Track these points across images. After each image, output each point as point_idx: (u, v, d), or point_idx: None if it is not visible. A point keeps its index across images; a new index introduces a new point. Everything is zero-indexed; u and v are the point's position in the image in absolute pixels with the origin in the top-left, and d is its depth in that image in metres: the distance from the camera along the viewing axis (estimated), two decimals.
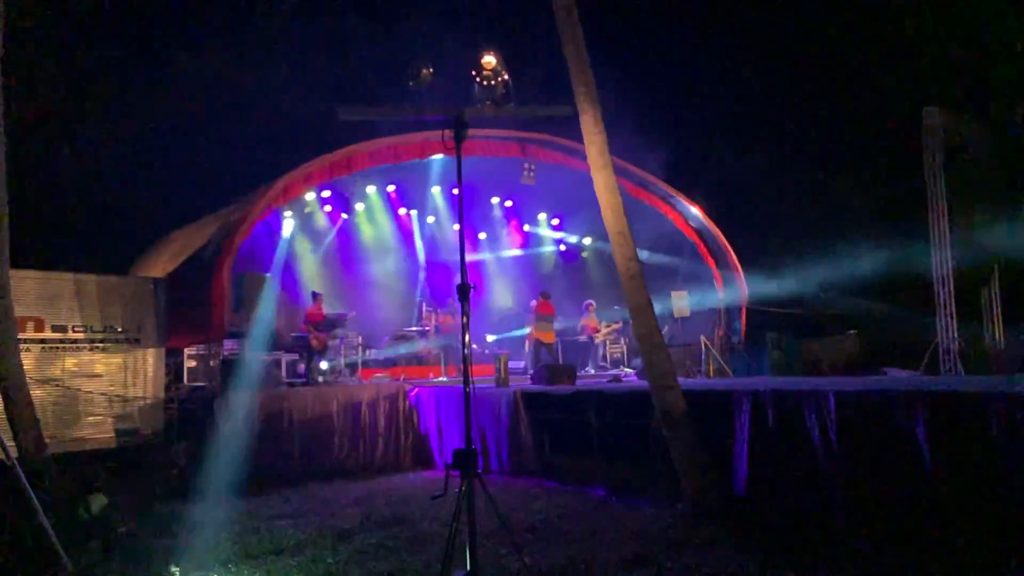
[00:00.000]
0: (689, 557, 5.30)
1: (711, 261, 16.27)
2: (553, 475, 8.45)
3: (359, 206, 16.40)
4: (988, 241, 11.52)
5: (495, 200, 17.70)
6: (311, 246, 16.47)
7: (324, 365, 11.52)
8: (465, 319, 4.45)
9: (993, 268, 11.46)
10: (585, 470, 8.11)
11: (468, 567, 4.14)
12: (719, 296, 16.00)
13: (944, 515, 5.02)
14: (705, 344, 13.71)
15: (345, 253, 17.32)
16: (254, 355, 10.76)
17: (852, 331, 13.90)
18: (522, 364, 15.67)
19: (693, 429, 6.85)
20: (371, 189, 15.94)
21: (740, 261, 16.09)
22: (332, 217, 16.35)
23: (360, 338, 14.48)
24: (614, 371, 14.61)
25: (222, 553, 5.85)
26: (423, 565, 5.41)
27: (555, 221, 19.04)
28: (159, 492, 8.28)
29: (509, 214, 18.57)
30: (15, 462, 5.20)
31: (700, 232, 16.19)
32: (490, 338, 17.28)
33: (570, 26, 7.38)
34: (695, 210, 15.79)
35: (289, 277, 15.75)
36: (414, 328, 15.73)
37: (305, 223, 15.92)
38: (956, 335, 11.06)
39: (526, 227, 19.29)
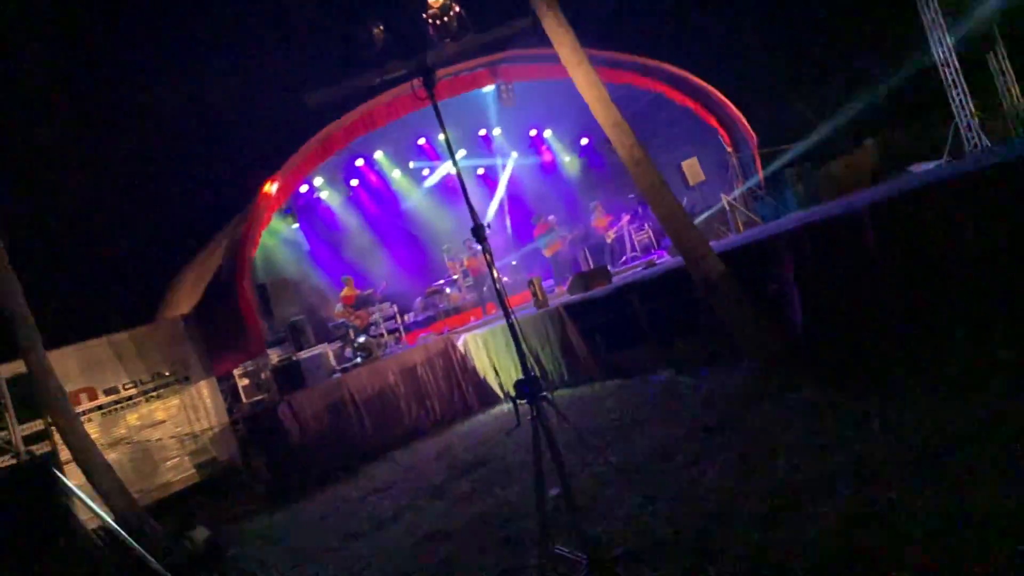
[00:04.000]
0: (767, 408, 5.29)
1: (712, 119, 15.83)
2: (615, 373, 8.48)
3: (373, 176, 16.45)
4: (982, 10, 10.95)
5: (497, 132, 17.37)
6: (330, 229, 16.53)
7: (361, 339, 11.65)
8: (488, 257, 4.36)
9: (993, 29, 10.92)
10: (644, 359, 8.11)
11: (560, 485, 4.19)
12: (728, 151, 15.64)
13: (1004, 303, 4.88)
14: (728, 202, 13.48)
15: (376, 222, 17.32)
16: (299, 354, 10.89)
17: (868, 140, 13.50)
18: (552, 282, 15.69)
19: (738, 288, 6.77)
20: (379, 154, 16.05)
21: (740, 111, 15.65)
22: (352, 194, 16.46)
23: (395, 306, 14.57)
24: (645, 257, 14.50)
25: (329, 542, 6.03)
26: (518, 496, 5.51)
27: (547, 132, 18.67)
28: (252, 507, 8.55)
29: (521, 137, 18.22)
30: (114, 525, 5.38)
31: (694, 94, 15.69)
32: (513, 262, 17.19)
33: None
34: (683, 75, 15.29)
35: (334, 264, 15.87)
36: (441, 281, 15.74)
37: (317, 211, 15.96)
38: (972, 110, 10.65)
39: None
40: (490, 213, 17.97)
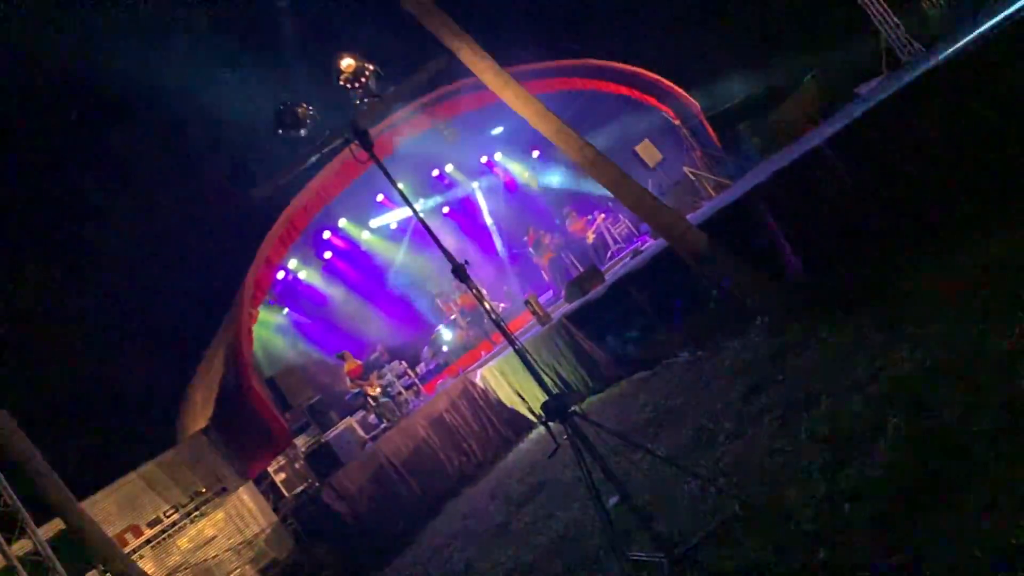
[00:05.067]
0: (793, 360, 5.37)
1: (649, 99, 16.06)
2: (636, 367, 8.53)
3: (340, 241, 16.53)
4: None
5: (450, 168, 17.58)
6: (317, 305, 16.59)
7: (382, 401, 11.71)
8: (476, 292, 4.45)
9: None
10: (660, 345, 8.17)
11: (616, 492, 4.23)
12: (675, 124, 15.85)
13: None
14: (691, 172, 13.65)
15: (359, 286, 17.38)
16: (327, 435, 10.90)
17: (807, 77, 13.73)
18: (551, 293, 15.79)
19: (726, 252, 6.88)
20: (343, 221, 16.15)
21: (676, 83, 15.89)
22: (328, 265, 16.54)
23: (403, 362, 14.60)
24: (630, 247, 14.63)
25: None
26: (580, 513, 5.55)
27: (498, 155, 18.85)
28: None
29: (474, 167, 18.43)
30: None
31: (624, 79, 15.93)
32: (506, 288, 17.30)
33: None
34: (608, 64, 15.54)
35: (331, 337, 15.93)
36: (441, 326, 15.78)
37: (299, 292, 16.06)
38: (896, 21, 10.88)
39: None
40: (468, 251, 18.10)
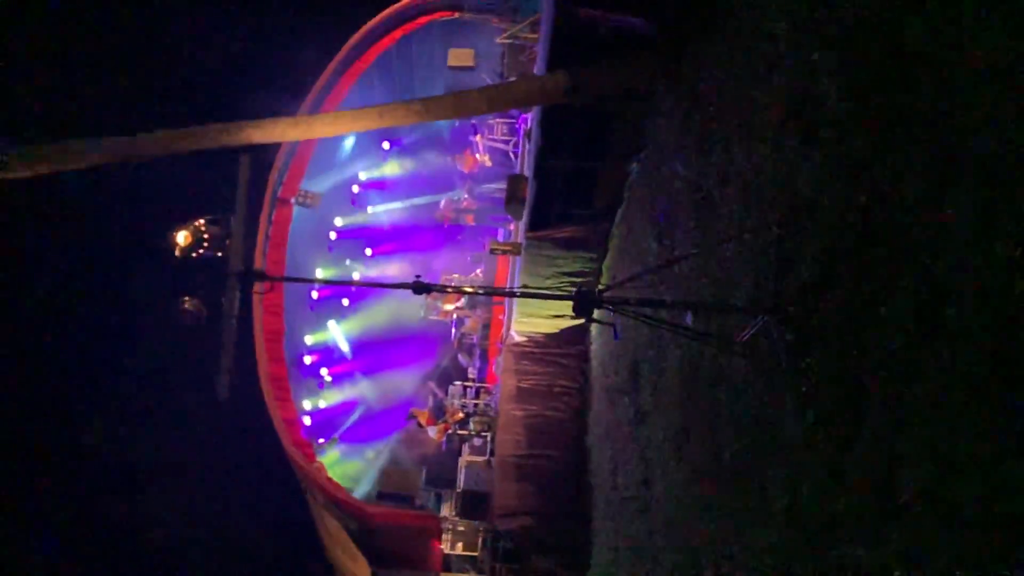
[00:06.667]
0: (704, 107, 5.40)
1: (423, 18, 15.71)
2: (614, 207, 8.58)
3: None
4: None
5: (339, 221, 17.45)
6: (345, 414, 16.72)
7: (469, 425, 12.05)
8: (449, 288, 4.48)
9: None
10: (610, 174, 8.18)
11: (687, 311, 4.29)
12: (458, 16, 15.51)
13: None
14: (504, 38, 13.47)
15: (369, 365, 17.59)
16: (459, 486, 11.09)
17: None
18: None
19: (583, 64, 6.85)
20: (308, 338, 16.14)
21: None
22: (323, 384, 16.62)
23: (454, 382, 14.66)
24: (519, 137, 14.51)
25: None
26: (679, 353, 5.66)
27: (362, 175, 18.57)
28: None
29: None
30: None
31: (417, 9, 15.57)
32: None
33: None
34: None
35: (381, 423, 16.19)
36: (452, 329, 15.78)
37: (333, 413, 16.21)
38: None
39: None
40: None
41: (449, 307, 15.29)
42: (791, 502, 3.54)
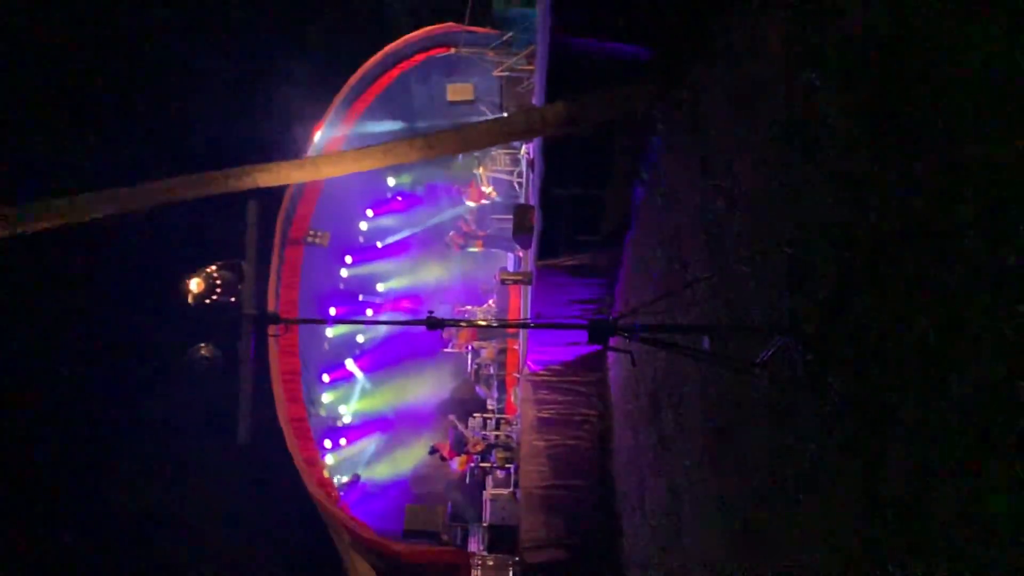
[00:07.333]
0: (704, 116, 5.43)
1: (437, 50, 16.00)
2: (620, 232, 8.60)
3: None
4: None
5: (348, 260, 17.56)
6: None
7: (491, 457, 11.95)
8: (463, 323, 4.48)
9: None
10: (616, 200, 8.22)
11: (703, 336, 4.28)
12: (452, 52, 15.76)
13: None
14: (500, 72, 13.62)
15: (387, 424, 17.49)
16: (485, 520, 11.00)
17: None
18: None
19: (580, 93, 6.91)
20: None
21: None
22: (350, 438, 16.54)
23: (473, 414, 14.61)
24: (525, 165, 14.62)
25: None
26: (697, 376, 5.63)
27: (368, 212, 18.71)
28: None
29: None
30: None
31: (423, 44, 15.86)
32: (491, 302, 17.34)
33: None
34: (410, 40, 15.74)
35: None
36: (470, 359, 15.76)
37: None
38: None
39: None
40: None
41: (463, 340, 15.31)
42: (828, 528, 3.49)
